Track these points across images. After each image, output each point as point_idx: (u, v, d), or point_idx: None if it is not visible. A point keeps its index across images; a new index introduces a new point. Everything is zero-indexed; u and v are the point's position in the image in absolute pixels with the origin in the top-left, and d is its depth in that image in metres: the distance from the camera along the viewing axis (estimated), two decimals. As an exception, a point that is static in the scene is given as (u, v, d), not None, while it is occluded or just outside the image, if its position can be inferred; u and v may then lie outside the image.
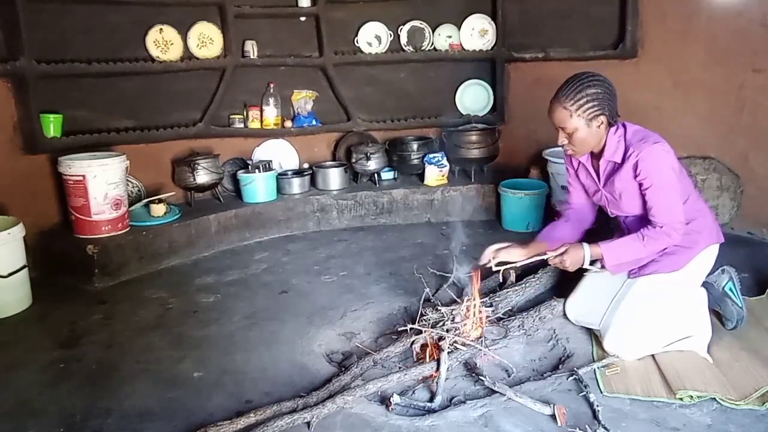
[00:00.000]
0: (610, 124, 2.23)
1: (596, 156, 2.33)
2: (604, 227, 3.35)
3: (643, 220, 2.30)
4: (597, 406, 1.98)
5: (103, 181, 3.28)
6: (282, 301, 3.00)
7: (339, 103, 4.41)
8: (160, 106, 3.97)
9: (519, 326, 2.51)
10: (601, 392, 2.09)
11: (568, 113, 2.16)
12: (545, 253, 2.36)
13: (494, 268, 2.42)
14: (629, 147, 2.21)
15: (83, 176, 3.25)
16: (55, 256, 3.35)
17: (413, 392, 2.16)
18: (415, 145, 4.26)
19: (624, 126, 2.26)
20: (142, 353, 2.52)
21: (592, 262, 2.31)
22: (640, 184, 2.20)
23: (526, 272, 2.98)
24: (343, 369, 2.28)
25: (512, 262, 2.44)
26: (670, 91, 3.70)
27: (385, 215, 4.16)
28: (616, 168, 2.26)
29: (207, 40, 3.93)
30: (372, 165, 4.18)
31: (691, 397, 2.02)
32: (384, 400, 2.09)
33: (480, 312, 2.42)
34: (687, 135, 3.62)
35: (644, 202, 2.23)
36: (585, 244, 2.29)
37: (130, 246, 3.36)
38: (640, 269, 2.37)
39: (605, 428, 1.88)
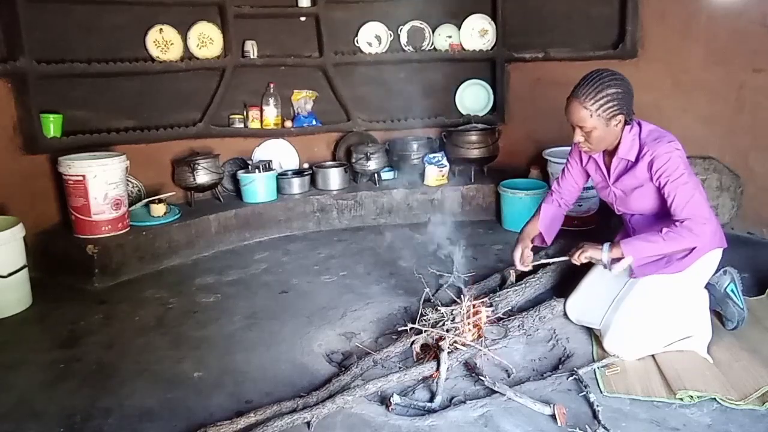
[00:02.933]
0: (626, 122, 2.22)
1: (609, 153, 2.32)
2: (604, 227, 3.35)
3: (649, 219, 2.29)
4: (597, 406, 1.98)
5: (103, 181, 3.28)
6: (282, 301, 3.00)
7: (339, 103, 4.41)
8: (160, 106, 3.97)
9: (519, 326, 2.51)
10: (601, 392, 2.09)
11: (588, 113, 2.14)
12: (567, 256, 2.37)
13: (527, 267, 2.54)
14: (644, 146, 2.20)
15: (83, 176, 3.25)
16: (55, 256, 3.35)
17: (413, 392, 2.17)
18: (415, 145, 4.25)
19: (639, 124, 2.26)
20: (142, 353, 2.52)
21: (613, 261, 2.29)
22: (659, 184, 2.18)
23: (526, 272, 2.98)
24: (343, 369, 2.28)
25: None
26: (670, 91, 3.70)
27: (385, 215, 4.16)
28: (629, 166, 2.26)
29: (207, 40, 3.93)
30: (372, 165, 4.18)
31: (691, 397, 2.02)
32: (384, 400, 2.09)
33: (478, 311, 2.42)
34: (687, 135, 3.58)
35: (660, 202, 2.22)
36: (605, 244, 2.26)
37: (130, 246, 3.36)
38: (643, 270, 2.36)
39: (605, 428, 1.88)
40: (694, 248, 2.24)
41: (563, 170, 2.61)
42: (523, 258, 2.52)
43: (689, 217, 2.13)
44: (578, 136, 2.23)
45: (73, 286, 3.22)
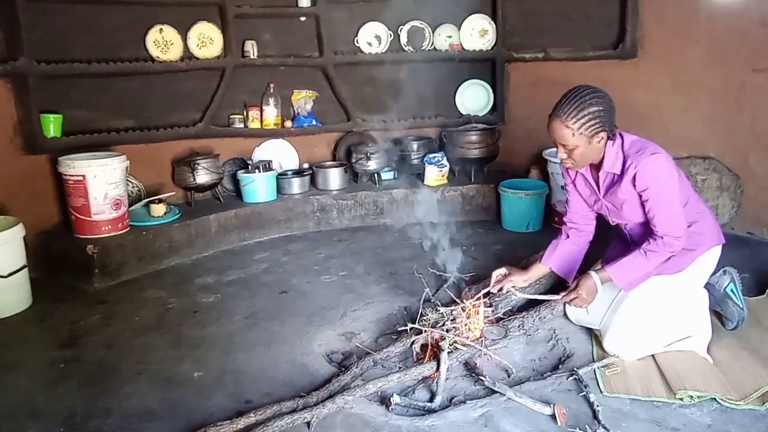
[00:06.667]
0: (608, 138, 2.22)
1: (595, 167, 2.32)
2: (602, 234, 3.34)
3: (645, 227, 2.29)
4: (597, 406, 1.98)
5: (103, 181, 3.29)
6: (282, 301, 3.00)
7: (339, 103, 4.41)
8: (160, 106, 3.97)
9: (519, 326, 2.51)
10: (601, 392, 2.09)
11: (570, 132, 2.14)
12: (558, 294, 2.38)
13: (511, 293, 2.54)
14: (627, 158, 2.20)
15: (83, 176, 3.25)
16: (55, 256, 3.35)
17: (413, 392, 2.16)
18: (415, 145, 4.26)
19: (621, 136, 2.25)
20: (142, 353, 2.52)
21: None
22: (640, 195, 2.20)
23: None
24: (343, 369, 2.28)
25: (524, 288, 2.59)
26: (670, 91, 3.70)
27: (385, 215, 4.16)
28: (616, 179, 2.26)
29: (207, 40, 3.93)
30: (372, 165, 4.18)
31: (691, 397, 2.02)
32: (384, 400, 2.09)
33: (477, 311, 2.42)
34: (687, 135, 3.62)
35: (645, 212, 2.23)
36: (593, 273, 2.30)
37: (130, 246, 3.36)
38: (631, 284, 2.36)
39: (605, 428, 1.88)
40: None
41: (567, 199, 2.57)
42: (498, 280, 2.50)
43: (667, 232, 2.18)
44: (561, 153, 2.24)
45: (73, 286, 3.22)
